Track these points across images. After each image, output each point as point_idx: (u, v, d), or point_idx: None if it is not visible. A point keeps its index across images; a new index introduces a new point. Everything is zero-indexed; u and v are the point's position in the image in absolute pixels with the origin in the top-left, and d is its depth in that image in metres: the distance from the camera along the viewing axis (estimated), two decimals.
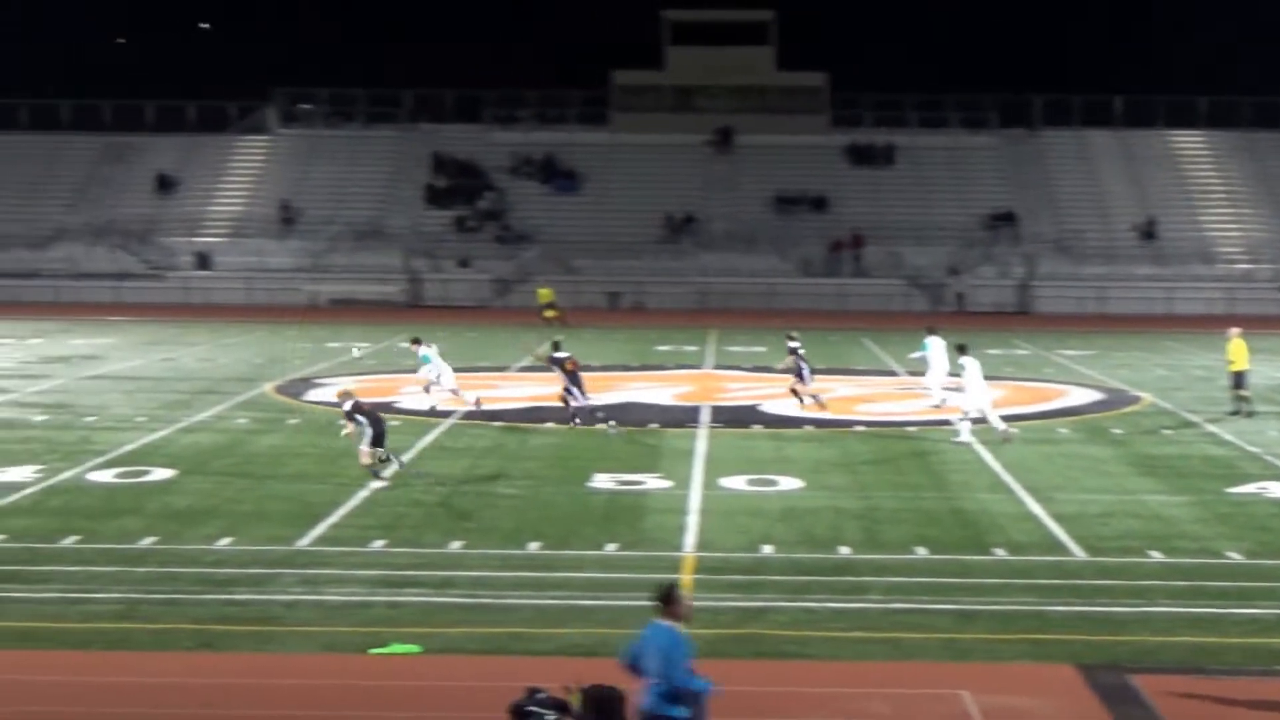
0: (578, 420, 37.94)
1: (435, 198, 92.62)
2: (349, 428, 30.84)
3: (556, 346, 39.37)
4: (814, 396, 40.60)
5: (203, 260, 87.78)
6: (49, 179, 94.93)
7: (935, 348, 41.87)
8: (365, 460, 30.59)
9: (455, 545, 25.29)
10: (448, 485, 30.48)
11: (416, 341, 41.66)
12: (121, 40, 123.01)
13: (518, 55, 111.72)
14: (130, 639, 20.10)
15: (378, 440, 30.61)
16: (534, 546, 25.26)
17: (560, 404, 38.50)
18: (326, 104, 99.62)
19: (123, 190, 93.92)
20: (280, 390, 44.90)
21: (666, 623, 14.55)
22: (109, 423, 38.49)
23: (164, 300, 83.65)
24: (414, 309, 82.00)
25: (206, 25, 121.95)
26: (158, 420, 38.92)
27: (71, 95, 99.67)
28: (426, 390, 40.76)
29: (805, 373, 40.34)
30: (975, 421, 36.43)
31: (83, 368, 51.07)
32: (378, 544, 25.32)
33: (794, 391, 40.80)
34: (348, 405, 30.88)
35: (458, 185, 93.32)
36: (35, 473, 31.36)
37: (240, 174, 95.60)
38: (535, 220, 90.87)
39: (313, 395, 43.09)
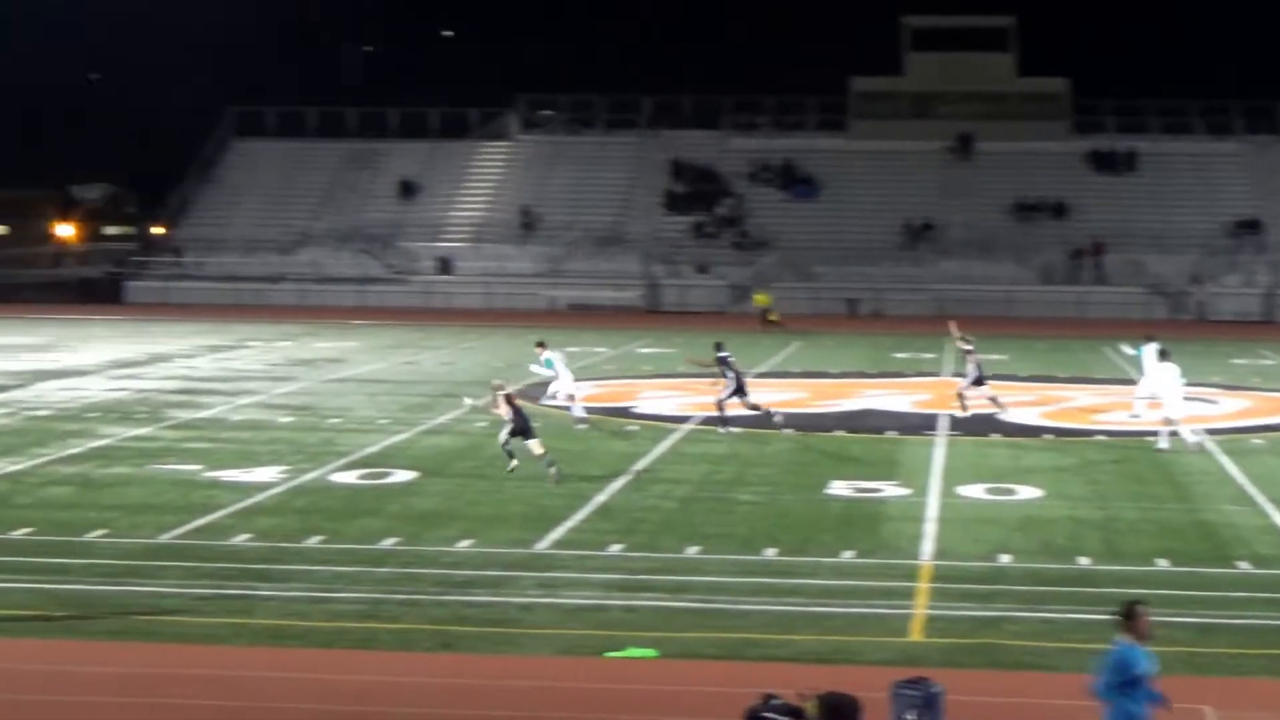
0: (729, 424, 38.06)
1: (674, 203, 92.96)
2: (500, 408, 31.76)
3: (719, 347, 39.29)
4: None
5: (444, 265, 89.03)
6: (296, 185, 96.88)
7: (1149, 355, 41.02)
8: (535, 451, 31.43)
9: (692, 550, 25.38)
10: (685, 488, 30.62)
11: (541, 345, 41.35)
12: (368, 48, 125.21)
13: (756, 61, 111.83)
14: (374, 638, 20.46)
15: (519, 433, 31.52)
16: (770, 552, 25.27)
17: (730, 408, 38.37)
18: (567, 110, 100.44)
19: (367, 196, 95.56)
20: (519, 395, 45.33)
21: (1126, 639, 14.40)
22: (352, 425, 39.21)
23: (406, 304, 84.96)
24: (652, 314, 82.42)
25: (449, 33, 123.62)
26: (399, 423, 39.57)
27: (318, 102, 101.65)
28: (571, 398, 40.44)
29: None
30: (1173, 432, 35.77)
31: (327, 370, 52.08)
32: (615, 548, 25.50)
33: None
34: (501, 393, 32.01)
35: (696, 191, 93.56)
36: (281, 473, 32.05)
37: (481, 179, 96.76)
38: (773, 226, 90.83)
39: (552, 400, 43.47)
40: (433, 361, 55.78)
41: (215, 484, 30.89)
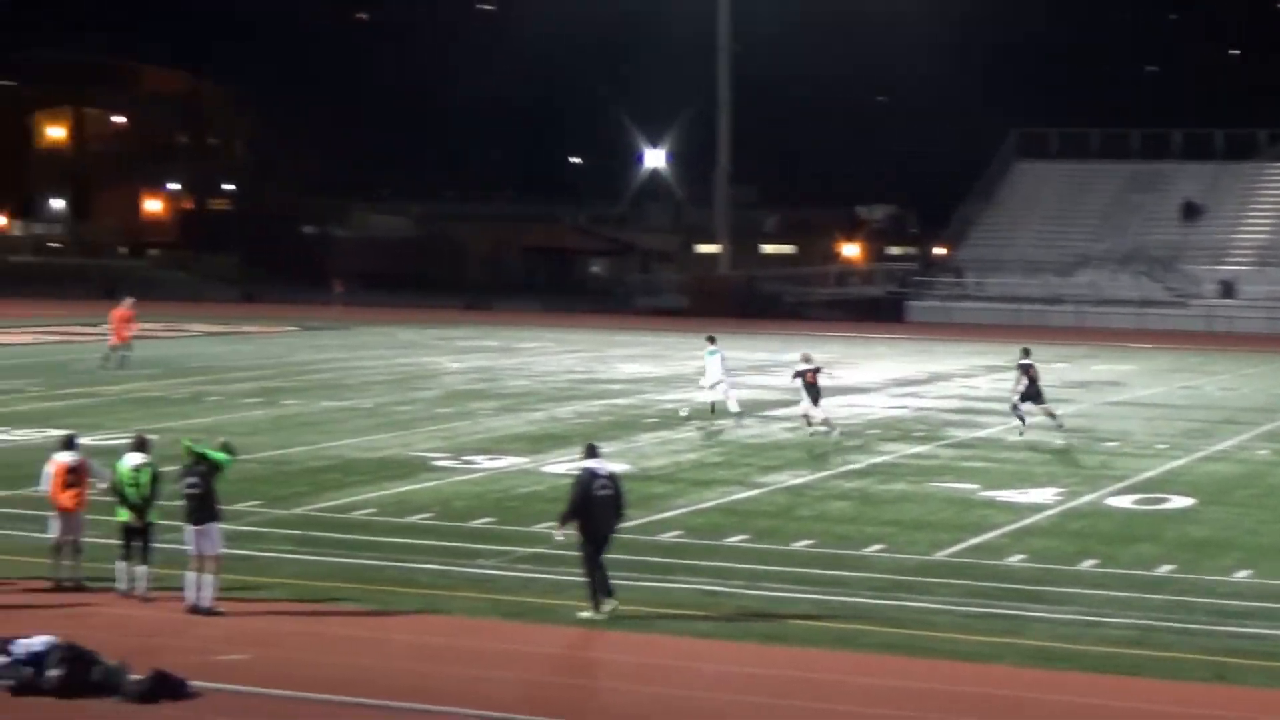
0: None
1: None
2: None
3: (1026, 353, 40.18)
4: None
5: (1227, 289, 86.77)
6: (1076, 207, 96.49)
7: None
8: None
9: None
10: None
11: (711, 340, 43.09)
12: (1152, 69, 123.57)
13: None
14: (1143, 666, 20.24)
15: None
16: None
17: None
18: None
19: (1149, 218, 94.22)
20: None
21: None
22: (1129, 449, 38.81)
23: (1185, 328, 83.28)
24: None
25: (1236, 52, 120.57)
26: (1177, 448, 38.92)
27: (1100, 124, 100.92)
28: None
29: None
30: None
31: (1104, 393, 51.69)
32: None
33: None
34: (800, 368, 38.98)
35: None
36: (1055, 495, 32.05)
37: (1269, 201, 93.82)
38: None
39: None
40: (1213, 387, 54.55)
41: (990, 503, 31.18)
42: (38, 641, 18.72)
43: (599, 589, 21.89)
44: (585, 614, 21.90)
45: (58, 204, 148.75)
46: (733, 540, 27.36)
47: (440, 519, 28.80)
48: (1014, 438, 40.10)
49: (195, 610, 21.78)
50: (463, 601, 22.93)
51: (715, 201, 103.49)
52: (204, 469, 22.16)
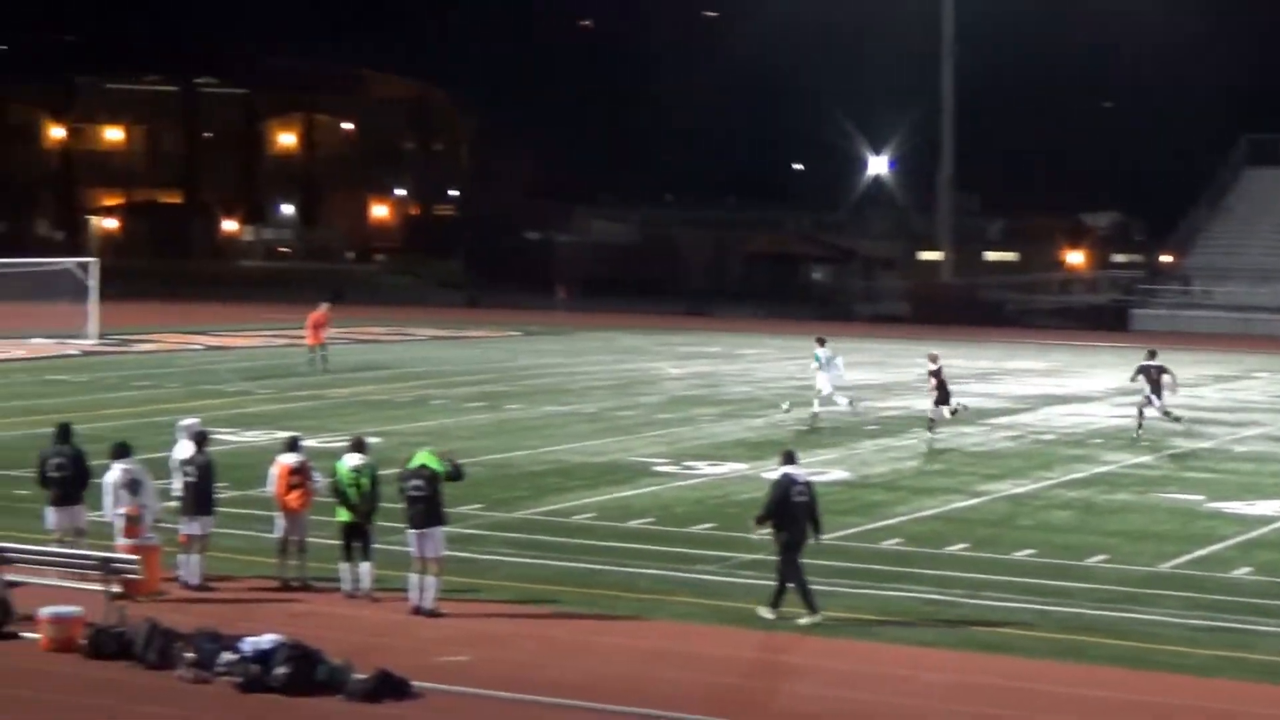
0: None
1: None
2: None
3: (1151, 354, 41.73)
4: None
5: None
6: None
7: None
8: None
9: None
10: None
11: (821, 342, 43.83)
12: None
13: None
14: None
15: (942, 401, 39.75)
16: None
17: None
18: None
19: None
20: None
21: None
22: None
23: None
24: None
25: None
26: None
27: None
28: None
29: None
30: None
31: None
32: None
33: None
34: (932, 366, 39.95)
35: None
36: None
37: None
38: None
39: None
40: None
41: (1217, 515, 30.64)
42: (265, 639, 19.12)
43: (805, 601, 22.04)
44: (766, 613, 22.18)
45: (287, 209, 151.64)
46: (953, 549, 27.18)
47: (660, 524, 28.93)
48: (1239, 449, 39.45)
49: (418, 611, 22.08)
50: (682, 607, 23.01)
51: (938, 208, 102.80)
52: (428, 473, 22.46)
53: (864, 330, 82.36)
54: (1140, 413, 41.07)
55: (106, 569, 21.03)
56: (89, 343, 63.18)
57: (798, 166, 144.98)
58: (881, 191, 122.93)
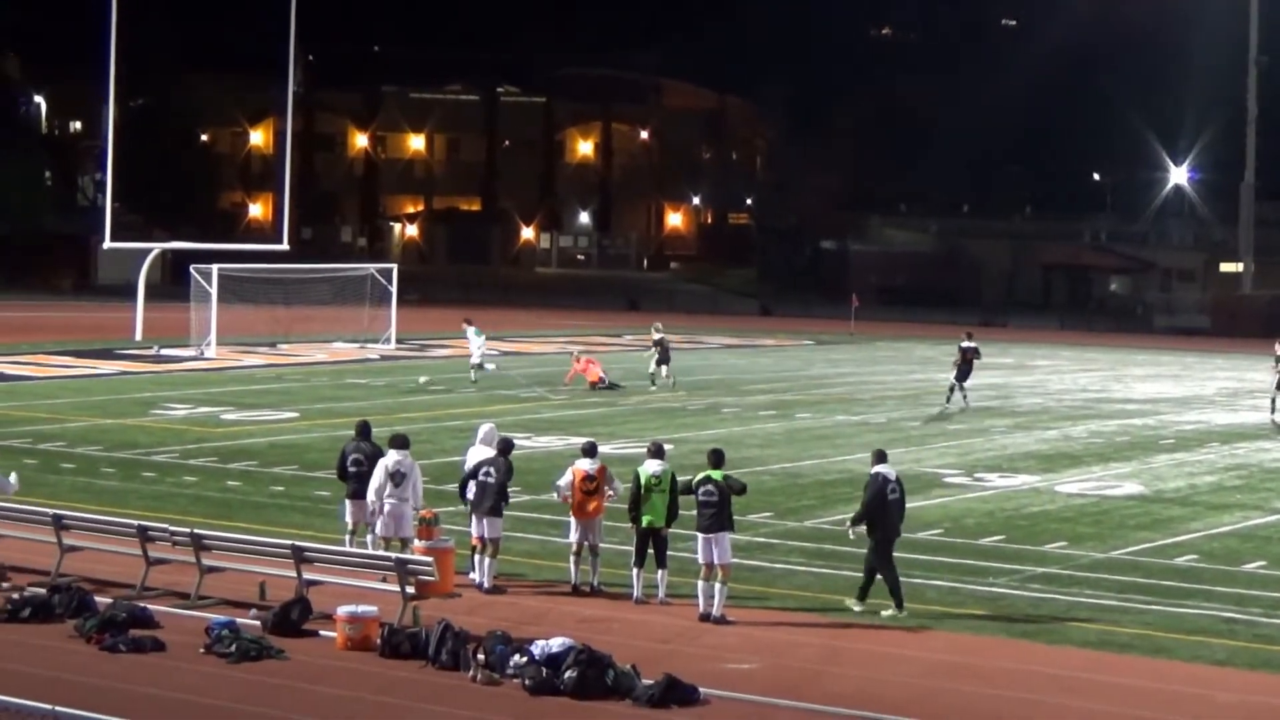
0: None
1: None
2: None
3: None
4: None
5: None
6: None
7: None
8: None
9: None
10: None
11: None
12: None
13: None
14: None
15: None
16: None
17: None
18: None
19: None
20: None
21: None
22: None
23: None
24: None
25: None
26: None
27: None
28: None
29: None
30: None
31: None
32: None
33: None
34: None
35: None
36: None
37: None
38: None
39: None
40: None
41: None
42: (555, 643, 19.42)
43: (893, 595, 22.84)
44: (887, 612, 22.76)
45: (584, 218, 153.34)
46: (1251, 566, 26.61)
47: (950, 535, 28.76)
48: None
49: (706, 618, 22.26)
50: (971, 620, 22.86)
51: (1240, 218, 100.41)
52: (719, 481, 22.68)
53: (1161, 343, 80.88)
54: None
55: (402, 570, 21.54)
56: (388, 347, 64.61)
57: (1096, 176, 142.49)
58: (1182, 201, 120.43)
